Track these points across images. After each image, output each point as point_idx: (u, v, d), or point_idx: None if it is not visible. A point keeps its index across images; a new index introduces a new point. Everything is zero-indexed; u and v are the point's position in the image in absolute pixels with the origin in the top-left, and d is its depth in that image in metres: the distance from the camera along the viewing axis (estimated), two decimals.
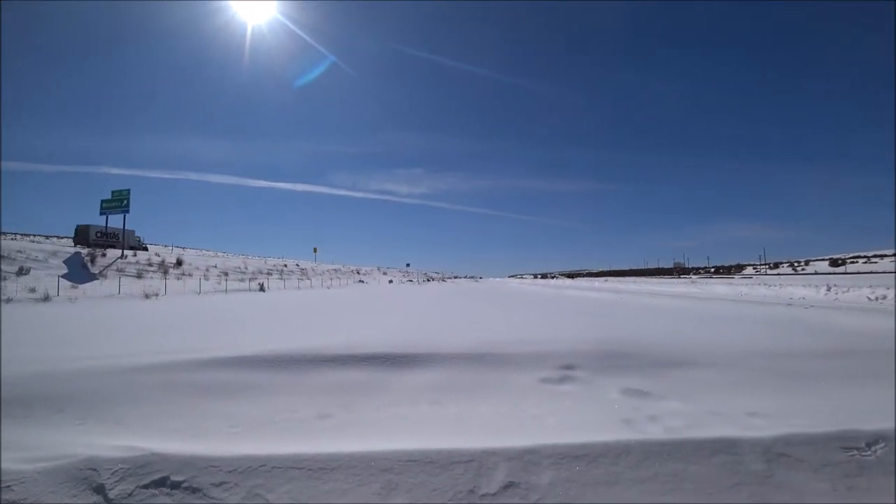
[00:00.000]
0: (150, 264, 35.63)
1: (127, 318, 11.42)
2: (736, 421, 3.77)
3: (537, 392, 4.71)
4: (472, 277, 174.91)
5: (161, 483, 2.77)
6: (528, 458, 2.99)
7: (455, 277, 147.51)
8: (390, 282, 68.67)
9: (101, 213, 38.38)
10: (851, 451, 3.18)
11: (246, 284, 35.95)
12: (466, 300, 19.71)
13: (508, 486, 2.78)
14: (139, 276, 30.96)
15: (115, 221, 39.03)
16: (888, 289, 14.90)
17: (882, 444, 3.26)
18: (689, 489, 2.78)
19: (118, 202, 38.03)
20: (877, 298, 14.00)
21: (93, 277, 27.64)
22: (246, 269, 47.28)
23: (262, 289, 33.43)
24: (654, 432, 3.50)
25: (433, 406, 4.34)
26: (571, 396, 4.58)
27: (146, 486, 2.74)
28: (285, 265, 60.61)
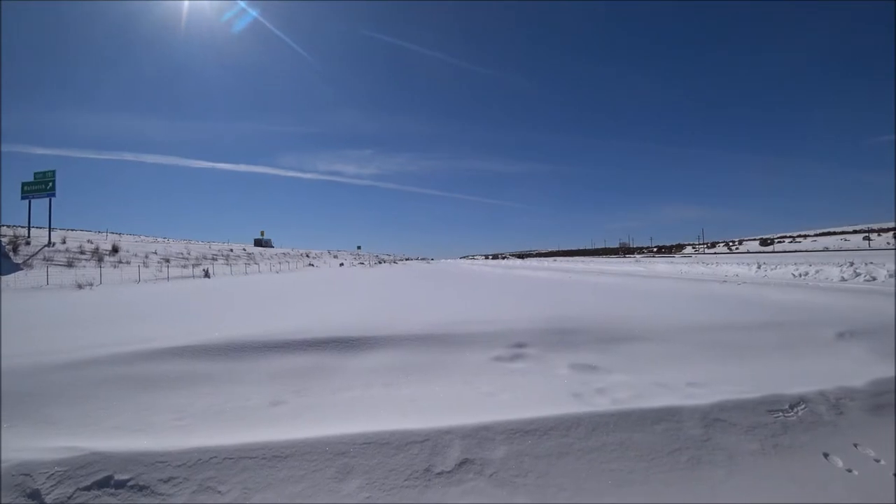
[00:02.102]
0: (83, 252, 33.30)
1: (58, 310, 10.67)
2: (677, 391, 4.04)
3: (490, 370, 4.83)
4: (424, 259, 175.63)
5: (104, 483, 2.65)
6: (481, 434, 3.08)
7: (407, 259, 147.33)
8: (341, 265, 67.62)
9: (23, 197, 35.21)
10: (777, 414, 3.49)
11: (189, 271, 34.38)
12: (418, 282, 19.75)
13: (463, 462, 2.85)
14: (70, 264, 28.92)
15: (39, 206, 36.00)
16: (810, 265, 16.17)
17: (802, 406, 3.59)
18: (634, 456, 2.97)
19: (42, 185, 34.93)
20: (800, 275, 15.20)
21: (16, 267, 25.55)
22: (189, 254, 45.13)
23: (206, 275, 32.11)
24: (602, 404, 3.69)
25: (387, 388, 4.36)
26: (523, 373, 4.73)
27: (87, 488, 2.61)
28: (231, 250, 58.31)
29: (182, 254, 44.52)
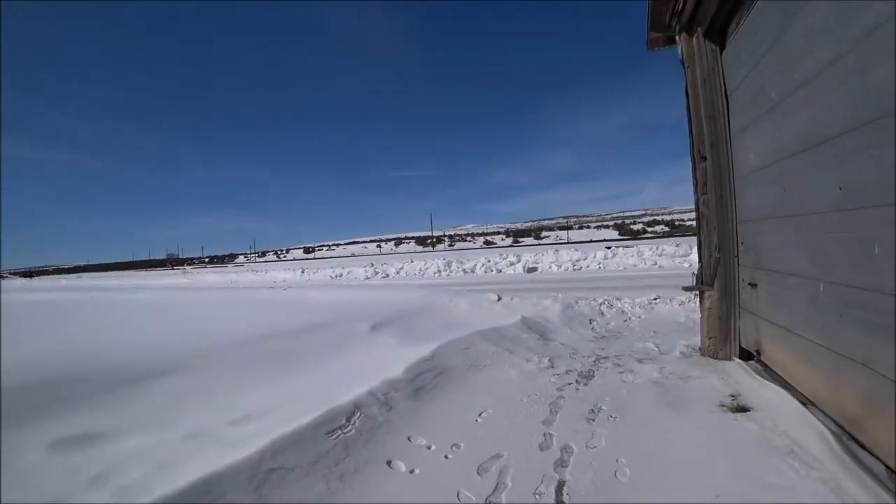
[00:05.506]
0: None
1: None
2: (218, 439, 2.91)
3: None
4: None
5: None
6: None
7: None
8: None
9: None
10: (336, 434, 2.95)
11: None
12: None
13: None
14: None
15: None
16: (343, 268, 18.92)
17: (358, 414, 3.23)
18: None
19: None
20: (336, 276, 17.62)
21: None
22: None
23: None
24: None
25: None
26: None
27: None
28: None
29: None
